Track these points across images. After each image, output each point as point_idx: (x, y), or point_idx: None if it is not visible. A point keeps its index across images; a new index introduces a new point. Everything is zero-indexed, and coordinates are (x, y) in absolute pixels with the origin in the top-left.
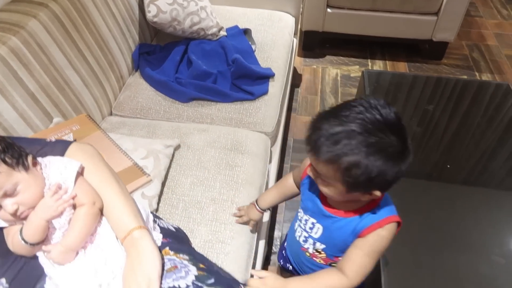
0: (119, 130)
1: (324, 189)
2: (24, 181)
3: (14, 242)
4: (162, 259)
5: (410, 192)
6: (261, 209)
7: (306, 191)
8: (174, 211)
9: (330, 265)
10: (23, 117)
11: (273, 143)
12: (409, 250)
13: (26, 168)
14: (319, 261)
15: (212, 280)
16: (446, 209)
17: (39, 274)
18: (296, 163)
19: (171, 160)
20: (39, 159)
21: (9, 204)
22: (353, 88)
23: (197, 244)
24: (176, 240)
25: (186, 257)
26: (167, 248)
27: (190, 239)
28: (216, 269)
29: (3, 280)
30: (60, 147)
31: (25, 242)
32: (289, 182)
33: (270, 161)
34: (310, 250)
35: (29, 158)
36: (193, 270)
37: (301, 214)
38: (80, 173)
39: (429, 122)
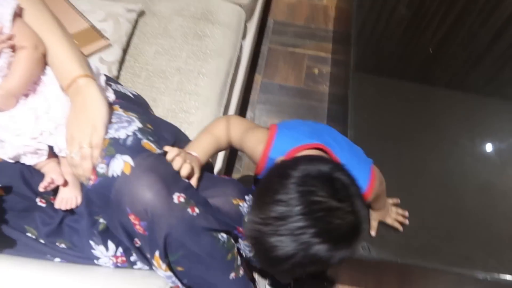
0: None
1: None
2: None
3: None
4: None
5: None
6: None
7: None
8: (136, 79)
9: None
10: None
11: (248, 17)
12: (378, 144)
13: None
14: None
15: (156, 138)
16: (422, 106)
17: None
18: (274, 45)
19: (134, 27)
20: None
21: None
22: None
23: (160, 113)
24: (131, 103)
25: (135, 115)
26: (117, 106)
27: (153, 108)
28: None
29: None
30: None
31: None
32: (223, 135)
33: (244, 37)
34: None
35: None
36: (135, 124)
37: None
38: (18, 14)
39: (419, 7)
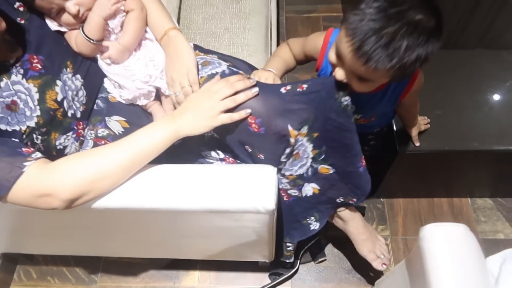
0: None
1: (357, 86)
2: None
3: (78, 42)
4: None
5: None
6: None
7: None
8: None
9: (369, 121)
10: None
11: None
12: None
13: None
14: (361, 122)
15: (243, 68)
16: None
17: (103, 74)
18: (290, 14)
19: (180, 2)
20: None
21: (71, 5)
22: None
23: None
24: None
25: (215, 56)
26: (197, 50)
27: None
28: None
29: (78, 76)
30: None
31: (88, 38)
32: (287, 54)
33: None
34: None
35: None
36: (224, 64)
37: None
38: None
39: None
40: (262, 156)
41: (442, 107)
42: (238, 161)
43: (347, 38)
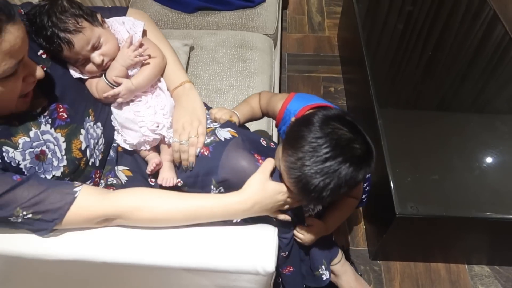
0: None
1: None
2: (104, 35)
3: (99, 88)
4: None
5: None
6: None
7: None
8: None
9: None
10: None
11: (274, 44)
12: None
13: (101, 24)
14: None
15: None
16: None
17: None
18: (292, 73)
19: (189, 58)
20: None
21: (96, 56)
22: (338, 7)
23: None
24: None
25: None
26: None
27: None
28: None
29: (99, 124)
30: (120, 10)
31: (111, 84)
32: (255, 104)
33: (275, 60)
34: None
35: (99, 16)
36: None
37: None
38: (144, 33)
39: (410, 24)
40: None
41: (439, 172)
42: None
43: (287, 175)
